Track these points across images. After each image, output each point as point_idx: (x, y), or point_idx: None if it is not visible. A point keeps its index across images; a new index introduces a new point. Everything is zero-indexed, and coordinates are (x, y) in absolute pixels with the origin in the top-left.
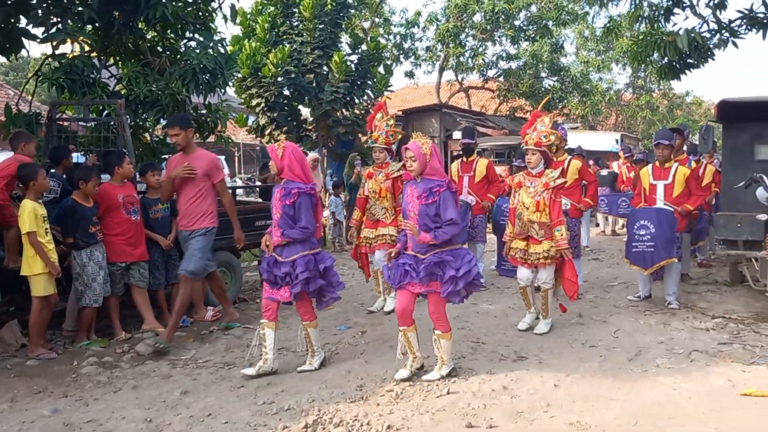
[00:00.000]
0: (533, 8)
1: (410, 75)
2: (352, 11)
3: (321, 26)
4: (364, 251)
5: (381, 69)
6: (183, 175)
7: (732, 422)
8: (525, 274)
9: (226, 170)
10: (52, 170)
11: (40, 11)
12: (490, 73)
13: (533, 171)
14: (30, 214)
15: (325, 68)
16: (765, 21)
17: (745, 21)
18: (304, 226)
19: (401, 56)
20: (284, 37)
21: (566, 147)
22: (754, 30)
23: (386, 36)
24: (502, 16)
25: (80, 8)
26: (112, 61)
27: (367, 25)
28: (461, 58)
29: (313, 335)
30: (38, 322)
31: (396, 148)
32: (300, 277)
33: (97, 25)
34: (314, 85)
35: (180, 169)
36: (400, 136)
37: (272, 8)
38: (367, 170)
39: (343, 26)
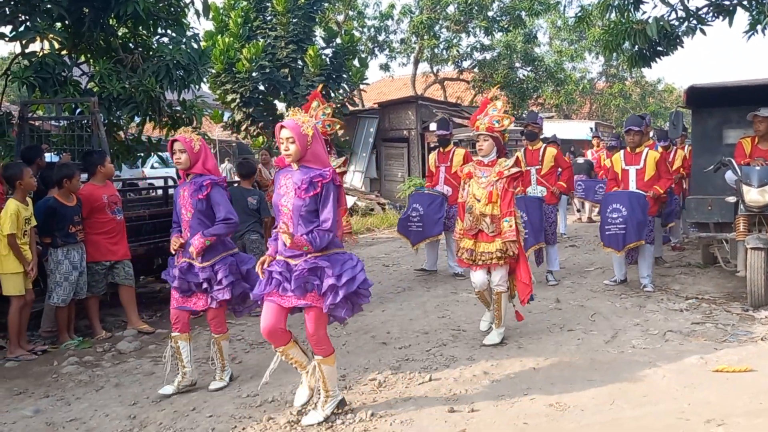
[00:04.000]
0: None
1: (385, 68)
2: (326, 5)
3: (294, 20)
4: None
5: (356, 62)
6: None
7: (704, 398)
8: (479, 277)
9: None
10: None
11: (7, 9)
12: (465, 64)
13: (485, 160)
14: (12, 216)
15: (299, 62)
16: (731, 8)
17: (711, 8)
18: (225, 217)
19: (376, 49)
20: (258, 31)
21: (542, 136)
22: (720, 17)
23: (360, 29)
24: (475, 7)
25: (49, 5)
26: (83, 58)
27: (341, 18)
28: (436, 50)
29: (225, 348)
30: (16, 323)
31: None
32: (224, 282)
33: (66, 22)
34: (289, 79)
35: None
36: (338, 127)
37: (245, 3)
38: None
39: (316, 20)
